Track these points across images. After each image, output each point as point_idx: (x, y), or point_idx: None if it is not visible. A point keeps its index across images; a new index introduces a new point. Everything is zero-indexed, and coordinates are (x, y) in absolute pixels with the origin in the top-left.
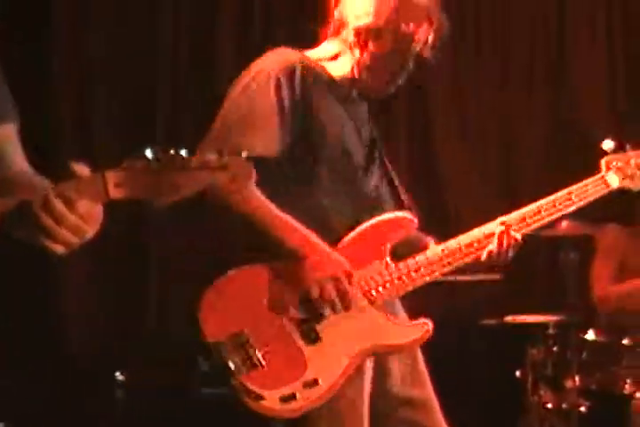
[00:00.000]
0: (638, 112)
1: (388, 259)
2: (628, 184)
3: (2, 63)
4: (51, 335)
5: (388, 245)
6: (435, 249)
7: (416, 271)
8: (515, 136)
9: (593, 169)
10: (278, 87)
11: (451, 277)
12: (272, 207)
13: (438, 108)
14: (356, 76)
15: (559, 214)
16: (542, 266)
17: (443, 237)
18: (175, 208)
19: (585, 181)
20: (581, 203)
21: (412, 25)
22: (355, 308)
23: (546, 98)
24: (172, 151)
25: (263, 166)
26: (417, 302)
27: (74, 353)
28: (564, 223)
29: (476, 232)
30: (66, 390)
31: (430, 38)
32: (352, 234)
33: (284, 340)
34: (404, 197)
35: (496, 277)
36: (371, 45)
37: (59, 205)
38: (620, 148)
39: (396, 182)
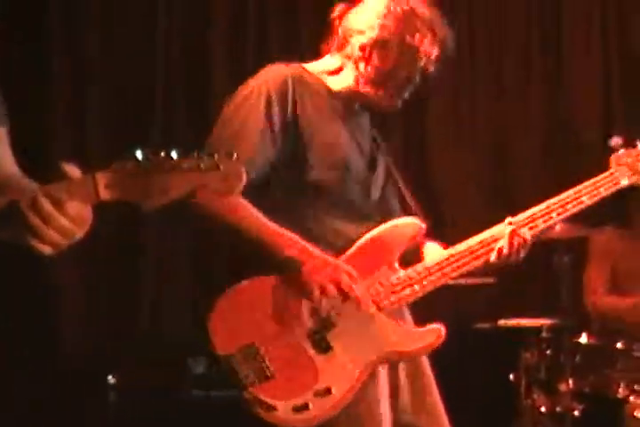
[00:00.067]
0: (636, 113)
1: (397, 265)
2: (637, 180)
3: None
4: (43, 336)
5: (397, 252)
6: (443, 254)
7: (426, 277)
8: (510, 146)
9: (589, 177)
10: (269, 104)
11: None
12: (262, 219)
13: (434, 119)
14: (360, 90)
15: (569, 213)
16: (536, 269)
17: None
18: (168, 210)
19: (594, 179)
20: (591, 201)
21: (416, 37)
22: (365, 315)
23: (541, 107)
24: (162, 153)
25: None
26: (410, 307)
27: (66, 354)
28: (558, 226)
29: (485, 234)
30: (58, 390)
31: (435, 51)
32: (360, 241)
33: (295, 350)
34: (411, 204)
35: (490, 280)
36: (375, 59)
37: (47, 205)
38: (628, 144)
39: (404, 190)
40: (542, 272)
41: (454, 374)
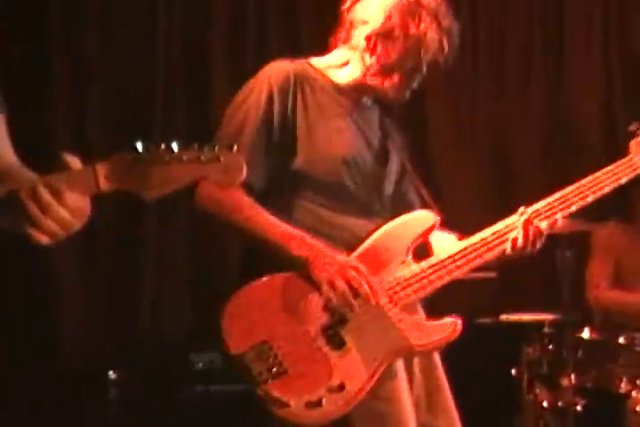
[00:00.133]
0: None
1: (410, 259)
2: None
3: None
4: (43, 334)
5: (410, 246)
6: (457, 246)
7: (439, 270)
8: (511, 146)
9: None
10: (270, 100)
11: None
12: (268, 217)
13: (434, 119)
14: (367, 82)
15: (589, 200)
16: (538, 264)
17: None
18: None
19: (614, 164)
20: (610, 187)
21: (421, 27)
22: (378, 310)
23: (542, 107)
24: (162, 144)
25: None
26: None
27: (67, 352)
28: (560, 221)
29: (499, 225)
30: (59, 388)
31: (441, 41)
32: (373, 236)
33: (309, 347)
34: (425, 196)
35: (492, 275)
36: (381, 50)
37: (46, 195)
38: None
39: (419, 185)
40: (544, 267)
41: (456, 369)
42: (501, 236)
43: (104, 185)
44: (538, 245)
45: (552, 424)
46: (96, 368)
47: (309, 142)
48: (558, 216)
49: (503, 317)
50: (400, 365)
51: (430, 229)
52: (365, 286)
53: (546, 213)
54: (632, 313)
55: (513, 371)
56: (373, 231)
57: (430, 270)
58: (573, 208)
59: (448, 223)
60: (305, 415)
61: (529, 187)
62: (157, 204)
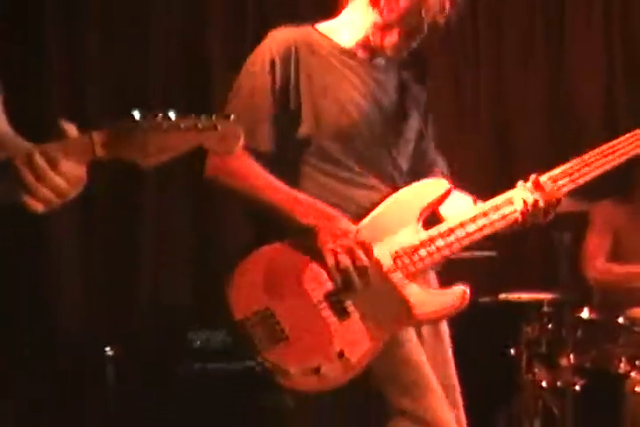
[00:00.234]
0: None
1: (420, 226)
2: None
3: None
4: (39, 309)
5: (421, 213)
6: (468, 213)
7: (448, 236)
8: (512, 131)
9: None
10: (273, 68)
11: None
12: (276, 185)
13: (435, 102)
14: (370, 37)
15: (607, 167)
16: (536, 243)
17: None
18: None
19: (632, 133)
20: (626, 156)
21: None
22: (384, 279)
23: (543, 90)
24: (160, 113)
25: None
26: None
27: (64, 327)
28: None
29: (511, 192)
30: (55, 364)
31: (443, 2)
32: (385, 202)
33: (311, 314)
34: (440, 164)
35: (491, 254)
36: (384, 3)
37: (41, 162)
38: None
39: (433, 150)
40: (543, 246)
41: (454, 349)
42: (512, 202)
43: (100, 153)
44: (551, 213)
45: (550, 404)
46: (93, 344)
47: (314, 110)
48: (574, 183)
49: (502, 296)
50: (412, 331)
51: (443, 197)
52: (366, 264)
53: (562, 180)
54: (628, 285)
55: (512, 350)
56: (384, 198)
57: (438, 238)
58: (588, 177)
59: None
60: (304, 382)
61: (530, 169)
62: (156, 176)
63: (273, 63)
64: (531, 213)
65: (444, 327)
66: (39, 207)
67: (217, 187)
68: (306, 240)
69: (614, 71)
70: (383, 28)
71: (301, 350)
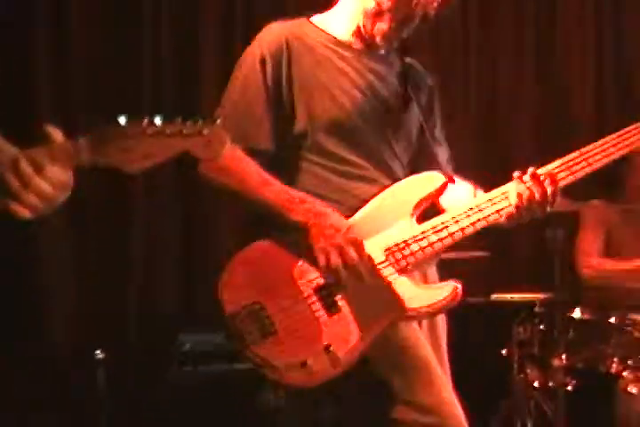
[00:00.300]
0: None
1: (415, 220)
2: None
3: None
4: (29, 313)
5: (415, 206)
6: (461, 207)
7: (441, 231)
8: (502, 121)
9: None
10: (263, 66)
11: None
12: (267, 181)
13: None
14: (361, 25)
15: (601, 163)
16: (529, 243)
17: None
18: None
19: (629, 127)
20: (622, 152)
21: None
22: (374, 274)
23: (534, 81)
24: (146, 119)
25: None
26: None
27: (54, 331)
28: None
29: (506, 186)
30: (46, 367)
31: None
32: (379, 196)
33: (301, 308)
34: (438, 157)
35: (483, 254)
36: None
37: (27, 168)
38: None
39: (432, 142)
40: (535, 246)
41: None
42: (508, 197)
43: (86, 158)
44: (547, 207)
45: (543, 404)
46: (83, 346)
47: (308, 105)
48: (573, 176)
49: (494, 296)
50: (414, 322)
51: (438, 191)
52: (360, 266)
53: (560, 174)
54: (620, 282)
55: (504, 351)
56: (380, 192)
57: (430, 232)
58: (588, 170)
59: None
60: (292, 377)
61: (519, 163)
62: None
63: (263, 61)
64: (526, 207)
65: (442, 323)
66: (26, 213)
67: (210, 184)
68: (298, 237)
69: (604, 68)
70: (375, 14)
71: (290, 345)
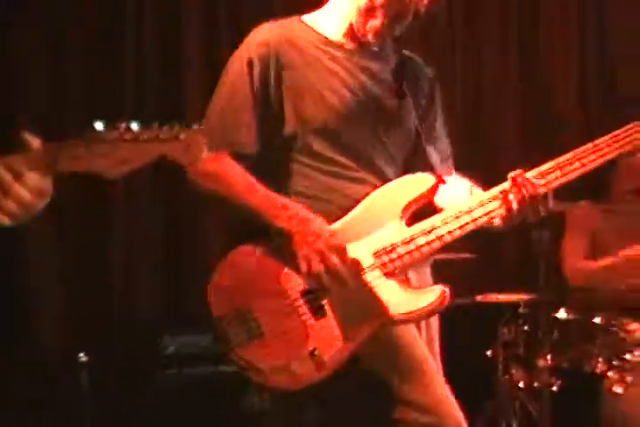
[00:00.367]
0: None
1: (404, 223)
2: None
3: None
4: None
5: (404, 208)
6: (451, 209)
7: (428, 234)
8: (486, 119)
9: (566, 150)
10: (251, 69)
11: None
12: (251, 186)
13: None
14: (353, 23)
15: (595, 164)
16: (514, 244)
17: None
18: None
19: (625, 127)
20: (617, 152)
21: None
22: (359, 279)
23: (518, 78)
24: (122, 124)
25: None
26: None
27: (36, 334)
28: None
29: (496, 189)
30: (29, 371)
31: None
32: (368, 198)
33: (287, 312)
34: (430, 157)
35: (468, 255)
36: None
37: (6, 175)
38: None
39: (425, 142)
40: (521, 247)
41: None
42: (496, 198)
43: (64, 165)
44: (541, 211)
45: (528, 405)
46: (66, 349)
47: (296, 107)
48: (565, 177)
49: (479, 297)
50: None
51: (429, 193)
52: (343, 272)
53: (548, 177)
54: (605, 283)
55: (488, 352)
56: (369, 194)
57: (418, 235)
58: (581, 171)
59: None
60: (276, 380)
61: (505, 161)
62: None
63: (251, 63)
64: (517, 209)
65: (435, 324)
66: (5, 220)
67: (197, 189)
68: (282, 242)
69: (588, 65)
70: (368, 10)
71: (275, 348)
